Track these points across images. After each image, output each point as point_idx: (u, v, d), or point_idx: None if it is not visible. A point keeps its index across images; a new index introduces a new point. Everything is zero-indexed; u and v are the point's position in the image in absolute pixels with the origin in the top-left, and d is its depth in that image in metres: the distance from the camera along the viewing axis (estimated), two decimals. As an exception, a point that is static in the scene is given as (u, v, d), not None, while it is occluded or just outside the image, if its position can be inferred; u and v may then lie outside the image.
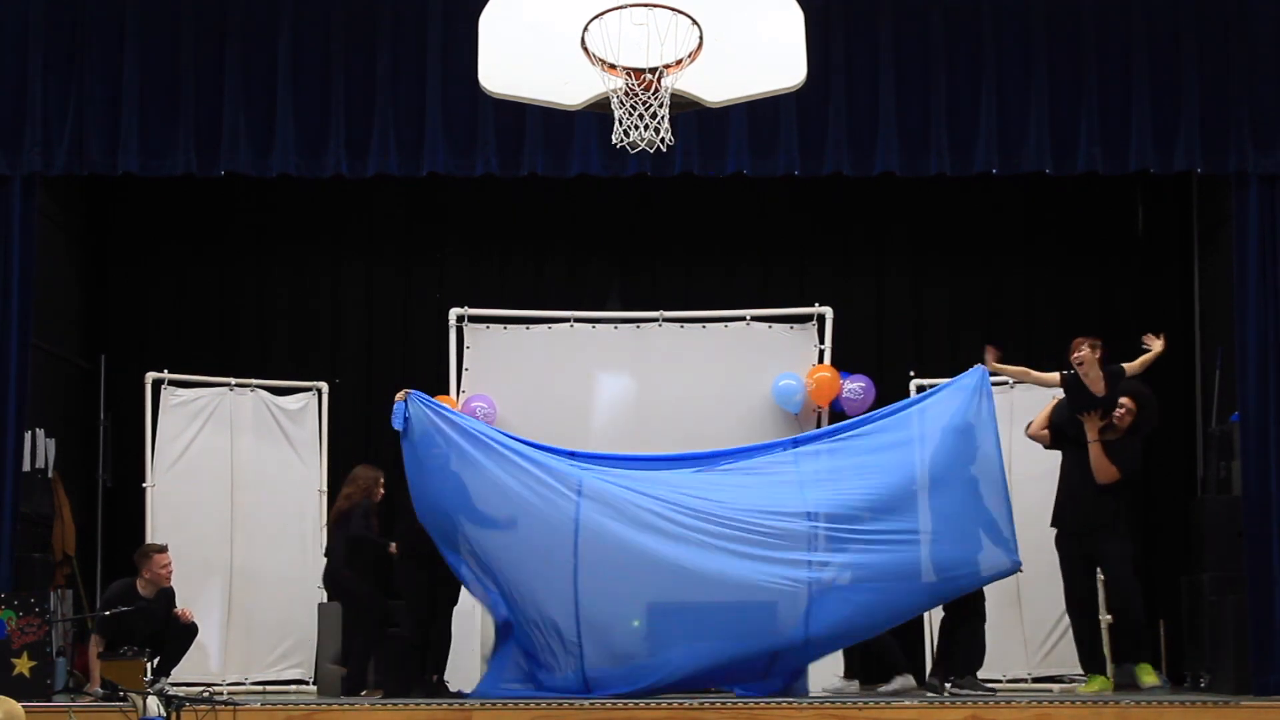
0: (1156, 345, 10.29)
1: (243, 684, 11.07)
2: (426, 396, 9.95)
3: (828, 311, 11.47)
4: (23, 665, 9.81)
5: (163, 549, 10.32)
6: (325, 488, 11.57)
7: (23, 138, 10.27)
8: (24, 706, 7.30)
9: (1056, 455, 10.72)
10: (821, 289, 11.88)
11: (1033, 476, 10.94)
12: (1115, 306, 12.64)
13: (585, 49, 8.00)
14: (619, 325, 11.69)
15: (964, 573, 9.87)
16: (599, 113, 8.35)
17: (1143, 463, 10.50)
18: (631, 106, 7.99)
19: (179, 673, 10.32)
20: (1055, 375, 10.39)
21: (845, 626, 9.73)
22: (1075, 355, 10.25)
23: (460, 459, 9.77)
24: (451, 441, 9.78)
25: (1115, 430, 10.22)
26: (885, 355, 12.38)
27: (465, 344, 11.46)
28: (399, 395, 9.88)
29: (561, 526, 9.65)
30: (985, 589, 10.28)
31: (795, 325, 11.59)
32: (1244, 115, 10.34)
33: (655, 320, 11.62)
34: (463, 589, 10.04)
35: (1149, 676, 10.14)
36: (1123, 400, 10.18)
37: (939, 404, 10.05)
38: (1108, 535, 10.19)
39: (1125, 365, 10.27)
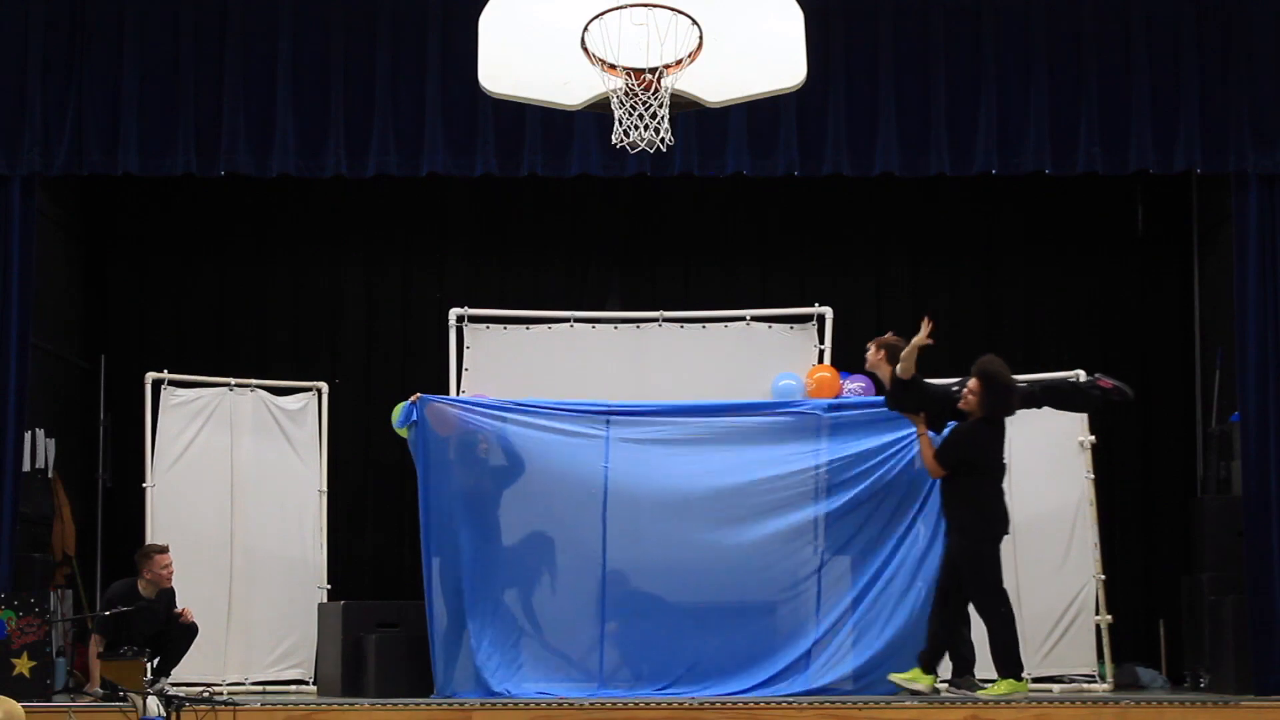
0: (922, 331, 9.74)
1: (243, 684, 11.05)
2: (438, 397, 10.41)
3: (828, 311, 11.46)
4: (23, 665, 9.82)
5: (164, 549, 10.31)
6: (325, 488, 11.56)
7: (22, 138, 10.28)
8: (24, 706, 7.30)
9: (1055, 459, 10.76)
10: (821, 289, 11.87)
11: (1030, 480, 10.94)
12: (1115, 306, 12.64)
13: (585, 49, 8.00)
14: (619, 325, 11.68)
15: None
16: (599, 113, 8.35)
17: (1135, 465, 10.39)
18: (631, 106, 7.99)
19: (179, 673, 10.32)
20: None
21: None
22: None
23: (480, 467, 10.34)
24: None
25: (969, 414, 9.77)
26: (885, 355, 12.37)
27: (465, 344, 11.45)
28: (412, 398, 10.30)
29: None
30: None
31: (795, 325, 11.57)
32: (1244, 115, 10.34)
33: (655, 320, 11.60)
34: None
35: (918, 679, 9.66)
36: (970, 382, 9.78)
37: None
38: (948, 532, 9.81)
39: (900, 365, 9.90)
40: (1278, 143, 10.33)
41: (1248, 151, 10.33)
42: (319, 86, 10.38)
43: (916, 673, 9.65)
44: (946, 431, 9.87)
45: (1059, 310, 12.65)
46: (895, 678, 9.70)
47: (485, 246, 12.80)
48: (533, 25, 8.23)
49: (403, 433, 10.46)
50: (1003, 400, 9.67)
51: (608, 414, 10.38)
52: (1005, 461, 9.79)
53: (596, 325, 11.66)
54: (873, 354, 10.03)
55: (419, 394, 10.40)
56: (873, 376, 10.54)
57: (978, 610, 9.67)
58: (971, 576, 9.56)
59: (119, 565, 11.36)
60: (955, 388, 9.84)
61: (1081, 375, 10.59)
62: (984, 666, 10.42)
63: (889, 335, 10.07)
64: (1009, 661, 9.57)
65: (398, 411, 10.43)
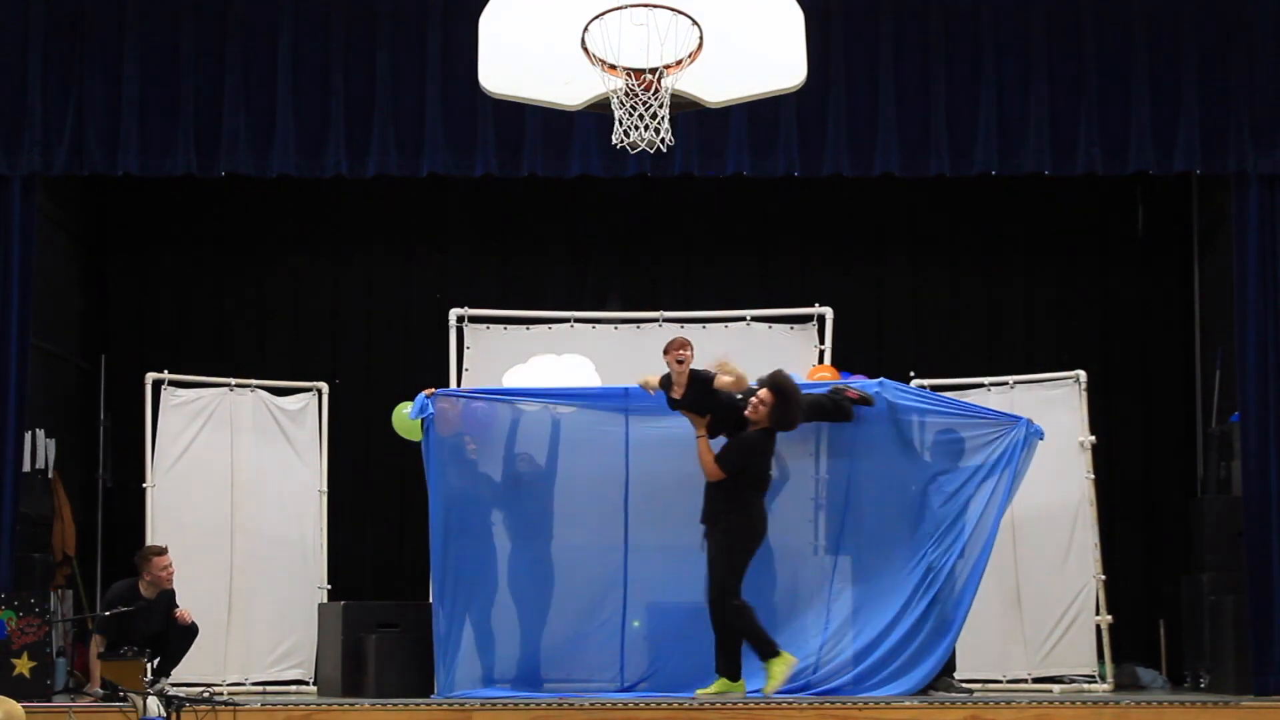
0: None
1: (243, 684, 11.05)
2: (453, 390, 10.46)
3: (828, 311, 11.46)
4: (23, 665, 9.82)
5: (163, 551, 10.30)
6: (325, 488, 11.55)
7: (23, 138, 10.28)
8: (24, 706, 7.31)
9: (1055, 459, 10.74)
10: (821, 289, 11.87)
11: (1030, 479, 10.94)
12: (1115, 306, 12.64)
13: (585, 49, 8.01)
14: (619, 325, 11.69)
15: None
16: (599, 113, 8.36)
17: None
18: (631, 107, 8.00)
19: (179, 673, 10.32)
20: (656, 378, 9.94)
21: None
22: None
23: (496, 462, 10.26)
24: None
25: (754, 423, 9.69)
26: (885, 355, 12.36)
27: (465, 344, 11.46)
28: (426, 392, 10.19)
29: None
30: (981, 591, 10.31)
31: (795, 325, 11.58)
32: (1244, 115, 10.35)
33: (655, 320, 11.60)
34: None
35: (721, 687, 9.58)
36: (760, 392, 9.71)
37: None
38: (710, 533, 9.66)
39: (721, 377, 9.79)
40: (1278, 143, 10.34)
41: (1248, 151, 10.34)
42: (319, 86, 10.38)
43: (724, 683, 9.62)
44: (724, 439, 9.79)
45: (1059, 310, 12.65)
46: (703, 693, 9.59)
47: (485, 246, 12.81)
48: (533, 25, 8.24)
49: (404, 432, 10.40)
50: (790, 414, 9.71)
51: (625, 400, 10.22)
52: (772, 474, 9.81)
53: (597, 325, 11.67)
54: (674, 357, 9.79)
55: (433, 389, 10.31)
56: (863, 377, 10.55)
57: (711, 611, 9.60)
58: (720, 578, 9.57)
59: (119, 565, 11.36)
60: (740, 397, 9.77)
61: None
62: (967, 668, 10.46)
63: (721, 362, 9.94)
64: (729, 664, 9.62)
65: (405, 407, 10.32)
